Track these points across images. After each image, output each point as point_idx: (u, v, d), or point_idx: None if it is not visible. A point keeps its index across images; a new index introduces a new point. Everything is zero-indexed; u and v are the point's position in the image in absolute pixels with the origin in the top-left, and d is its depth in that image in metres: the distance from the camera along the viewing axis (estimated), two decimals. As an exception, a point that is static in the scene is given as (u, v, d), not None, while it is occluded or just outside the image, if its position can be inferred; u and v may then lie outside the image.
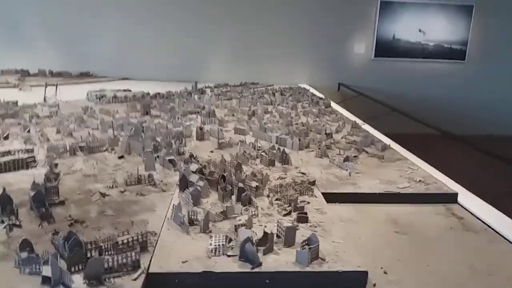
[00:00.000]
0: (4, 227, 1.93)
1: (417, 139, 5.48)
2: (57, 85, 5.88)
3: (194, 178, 2.46)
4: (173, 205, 2.12)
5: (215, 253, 1.78)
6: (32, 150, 2.87)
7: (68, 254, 1.60)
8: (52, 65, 9.12)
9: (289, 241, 1.87)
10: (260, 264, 1.71)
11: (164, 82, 8.36)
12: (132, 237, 1.76)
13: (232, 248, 1.82)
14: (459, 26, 10.03)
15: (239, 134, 4.01)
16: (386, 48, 9.94)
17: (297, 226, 1.98)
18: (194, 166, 2.66)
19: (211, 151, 3.41)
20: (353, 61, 9.92)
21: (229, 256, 1.77)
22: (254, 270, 1.68)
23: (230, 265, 1.72)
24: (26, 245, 1.71)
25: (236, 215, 2.16)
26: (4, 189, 2.12)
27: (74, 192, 2.43)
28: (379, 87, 9.52)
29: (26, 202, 2.21)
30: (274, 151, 3.17)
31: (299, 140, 3.53)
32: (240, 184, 2.37)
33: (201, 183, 2.40)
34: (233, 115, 4.99)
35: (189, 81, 7.63)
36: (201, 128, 3.80)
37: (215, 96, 6.48)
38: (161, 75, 9.04)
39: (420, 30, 10.07)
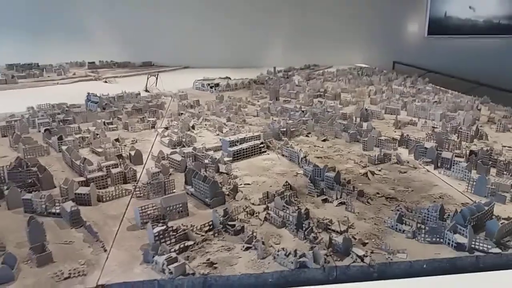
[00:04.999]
0: (337, 206, 2.06)
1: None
2: (157, 75, 5.91)
3: (447, 155, 2.61)
4: (472, 179, 2.25)
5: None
6: (259, 137, 2.95)
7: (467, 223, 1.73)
8: (111, 56, 9.11)
9: None
10: None
11: (225, 68, 8.27)
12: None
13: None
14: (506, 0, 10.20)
15: (391, 113, 4.13)
16: (439, 26, 10.04)
17: None
18: (429, 144, 2.80)
19: (394, 131, 3.53)
20: (406, 40, 10.03)
21: None
22: None
23: None
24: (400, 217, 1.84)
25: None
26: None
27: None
28: (434, 64, 9.62)
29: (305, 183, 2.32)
30: (465, 127, 3.31)
31: (472, 116, 3.67)
32: (501, 157, 2.53)
33: (463, 161, 2.55)
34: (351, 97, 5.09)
35: (251, 67, 7.74)
36: (366, 110, 3.91)
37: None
38: (219, 62, 9.03)
39: (470, 7, 10.19)
